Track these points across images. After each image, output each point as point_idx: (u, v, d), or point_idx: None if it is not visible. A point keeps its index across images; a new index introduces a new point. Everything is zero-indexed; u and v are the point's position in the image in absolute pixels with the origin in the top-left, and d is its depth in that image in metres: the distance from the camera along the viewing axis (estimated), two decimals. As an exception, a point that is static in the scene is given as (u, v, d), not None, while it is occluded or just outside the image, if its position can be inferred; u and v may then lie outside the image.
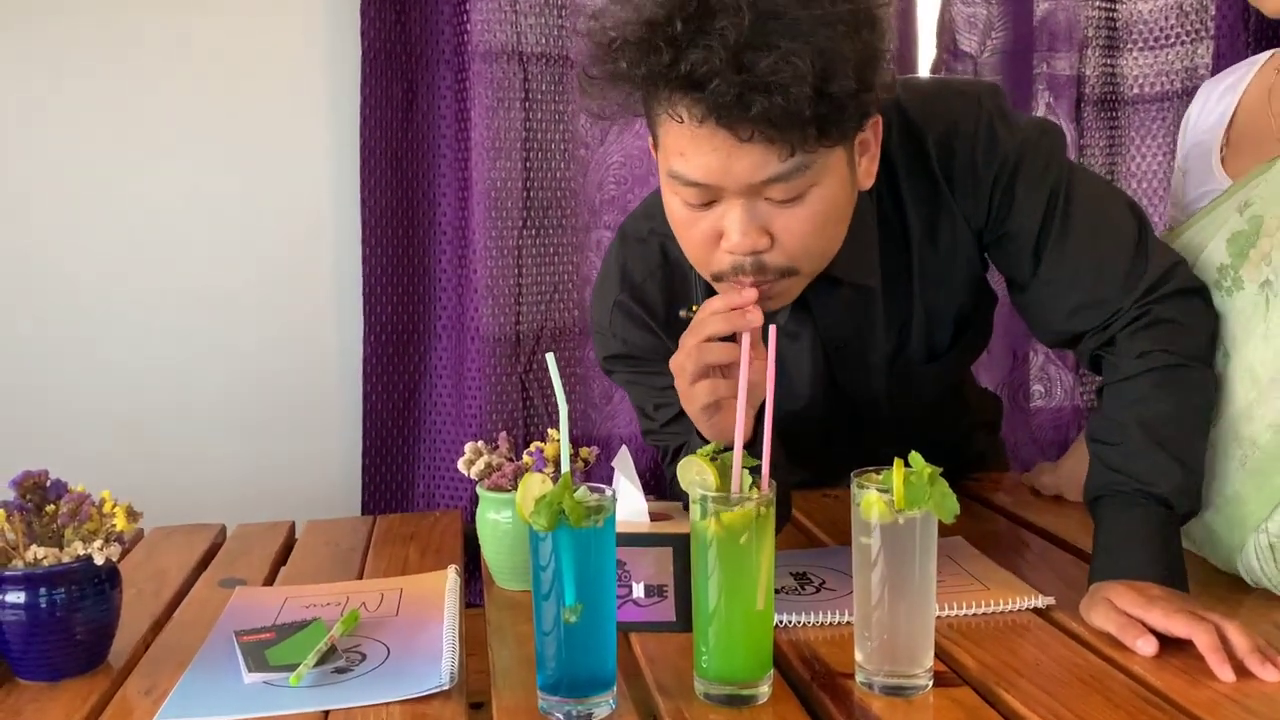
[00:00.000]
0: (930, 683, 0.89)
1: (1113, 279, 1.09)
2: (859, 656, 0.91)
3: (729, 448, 0.91)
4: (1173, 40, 2.08)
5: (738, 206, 0.97)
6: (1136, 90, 2.11)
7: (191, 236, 1.87)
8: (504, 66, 1.86)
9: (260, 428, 1.93)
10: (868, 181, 1.05)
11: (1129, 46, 2.10)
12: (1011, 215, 1.12)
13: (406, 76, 1.88)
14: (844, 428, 1.30)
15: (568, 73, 1.91)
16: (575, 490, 0.85)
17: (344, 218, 1.90)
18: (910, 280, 1.17)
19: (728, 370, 0.97)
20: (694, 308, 1.03)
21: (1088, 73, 2.08)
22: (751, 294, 0.97)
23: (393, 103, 1.87)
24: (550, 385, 1.98)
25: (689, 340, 0.99)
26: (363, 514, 1.91)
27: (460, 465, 1.17)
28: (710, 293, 1.07)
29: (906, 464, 0.87)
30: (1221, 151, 1.21)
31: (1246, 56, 1.56)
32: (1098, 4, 2.07)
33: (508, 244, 1.90)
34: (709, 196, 0.98)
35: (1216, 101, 1.25)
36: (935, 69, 2.01)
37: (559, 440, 1.16)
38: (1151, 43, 2.09)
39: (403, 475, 1.94)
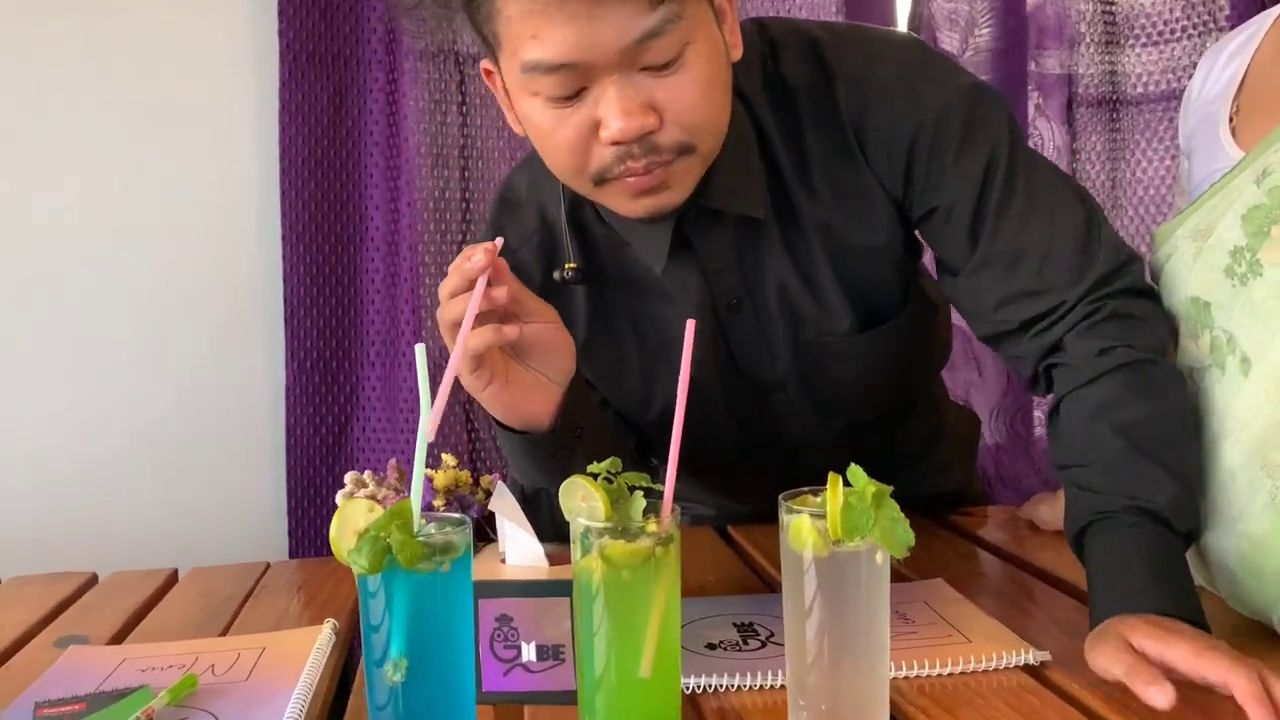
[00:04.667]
0: (885, 765, 0.69)
1: (1059, 265, 0.93)
2: (794, 732, 0.71)
3: (625, 469, 0.72)
4: (1179, 34, 1.91)
5: (612, 86, 0.84)
6: (1140, 89, 1.93)
7: (94, 252, 1.71)
8: (440, 67, 1.71)
9: (177, 465, 1.75)
10: (736, 53, 0.93)
11: (1130, 42, 1.93)
12: (942, 187, 0.96)
13: (333, 78, 1.72)
14: (753, 436, 1.12)
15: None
16: (423, 523, 0.66)
17: (266, 233, 1.74)
18: (801, 225, 1.01)
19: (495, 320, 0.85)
20: (568, 268, 1.01)
21: (1081, 71, 1.90)
22: (483, 260, 0.82)
23: (316, 106, 1.71)
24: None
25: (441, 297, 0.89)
26: (289, 557, 1.73)
27: (338, 499, 0.99)
28: (588, 252, 1.03)
29: (846, 482, 0.68)
30: (1231, 121, 1.01)
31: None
32: (1093, -5, 1.90)
33: (448, 259, 1.74)
34: (576, 82, 0.84)
35: (1222, 68, 1.05)
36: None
37: (453, 467, 0.98)
38: (1155, 37, 1.92)
39: (330, 512, 1.76)
